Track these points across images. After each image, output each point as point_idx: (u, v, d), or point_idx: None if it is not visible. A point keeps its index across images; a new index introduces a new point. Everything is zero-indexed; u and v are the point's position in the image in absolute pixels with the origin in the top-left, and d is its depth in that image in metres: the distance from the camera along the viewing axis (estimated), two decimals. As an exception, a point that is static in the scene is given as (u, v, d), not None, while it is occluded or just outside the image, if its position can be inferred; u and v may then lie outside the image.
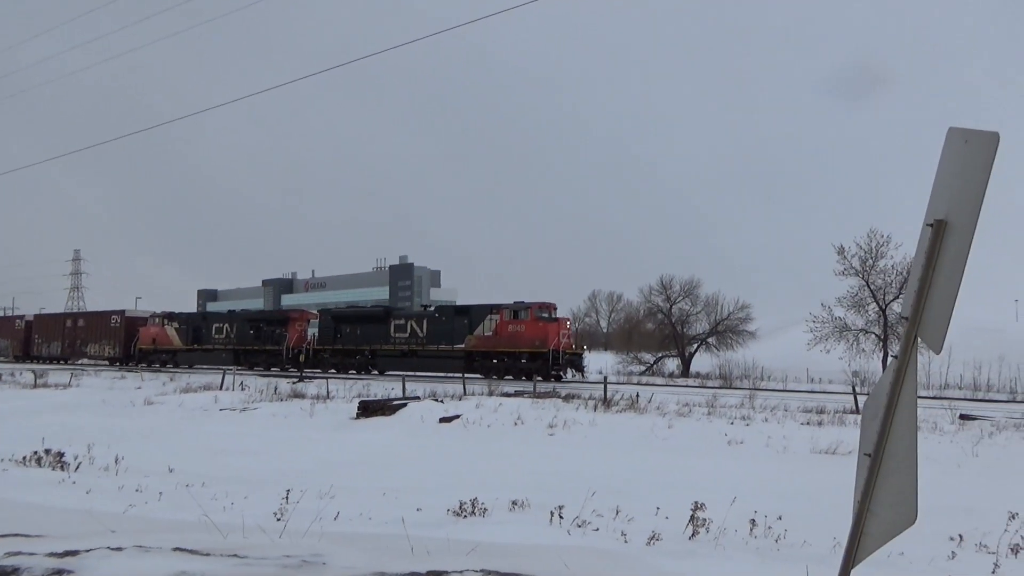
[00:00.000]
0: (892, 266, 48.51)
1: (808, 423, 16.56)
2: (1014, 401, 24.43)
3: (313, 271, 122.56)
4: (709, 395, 22.50)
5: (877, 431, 2.58)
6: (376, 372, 37.41)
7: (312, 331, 41.04)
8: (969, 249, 2.38)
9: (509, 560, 4.81)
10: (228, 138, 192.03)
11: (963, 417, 17.48)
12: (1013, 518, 6.25)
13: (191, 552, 4.53)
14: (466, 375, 30.24)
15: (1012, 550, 6.13)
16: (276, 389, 24.06)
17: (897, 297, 41.29)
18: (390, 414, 18.00)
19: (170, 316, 47.93)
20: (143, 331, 47.49)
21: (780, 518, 6.61)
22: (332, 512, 6.83)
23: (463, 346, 35.44)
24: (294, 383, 27.11)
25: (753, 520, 6.49)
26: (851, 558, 2.65)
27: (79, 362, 50.50)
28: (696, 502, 6.46)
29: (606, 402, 19.94)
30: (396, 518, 6.34)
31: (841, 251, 50.56)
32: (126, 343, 48.19)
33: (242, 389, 24.95)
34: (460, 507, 7.25)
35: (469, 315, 36.28)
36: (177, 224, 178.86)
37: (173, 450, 12.14)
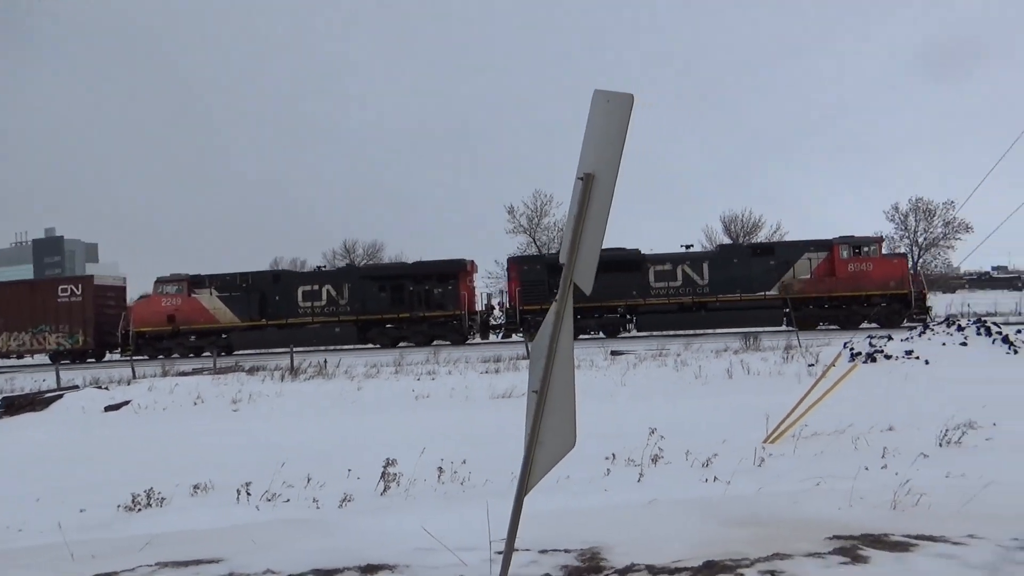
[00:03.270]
0: (554, 223, 53.89)
1: (487, 372, 17.76)
2: (651, 336, 28.63)
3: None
4: (396, 355, 23.00)
5: (542, 369, 2.82)
6: (630, 333, 29.09)
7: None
8: (611, 199, 2.69)
9: (190, 547, 4.46)
10: None
11: (614, 353, 20.09)
12: (652, 433, 7.32)
13: None
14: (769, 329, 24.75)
15: (652, 460, 7.20)
16: None
17: (558, 252, 46.02)
18: (42, 409, 15.71)
19: (196, 281, 31.84)
20: (140, 307, 31.93)
21: (464, 462, 7.00)
22: (-36, 531, 5.73)
23: (775, 293, 28.19)
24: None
25: (440, 468, 6.79)
26: (524, 487, 2.88)
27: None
28: (387, 459, 6.57)
29: (293, 371, 19.40)
30: (54, 525, 5.52)
31: (511, 210, 54.92)
32: (100, 326, 31.92)
33: None
34: (133, 500, 6.53)
35: (774, 255, 28.86)
36: None
37: None
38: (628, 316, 29.55)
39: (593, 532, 4.18)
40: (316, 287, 31.19)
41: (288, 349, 27.07)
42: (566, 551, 3.64)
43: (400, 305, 30.39)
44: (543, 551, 3.63)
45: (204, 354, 30.26)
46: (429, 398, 14.64)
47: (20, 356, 32.95)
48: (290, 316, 30.76)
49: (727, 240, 55.89)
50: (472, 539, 3.85)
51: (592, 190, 2.71)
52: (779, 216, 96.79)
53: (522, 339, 28.50)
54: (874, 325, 26.58)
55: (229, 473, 7.46)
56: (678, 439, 8.01)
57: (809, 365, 15.66)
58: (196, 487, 7.06)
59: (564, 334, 2.79)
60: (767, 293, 28.25)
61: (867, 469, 6.33)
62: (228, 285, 31.62)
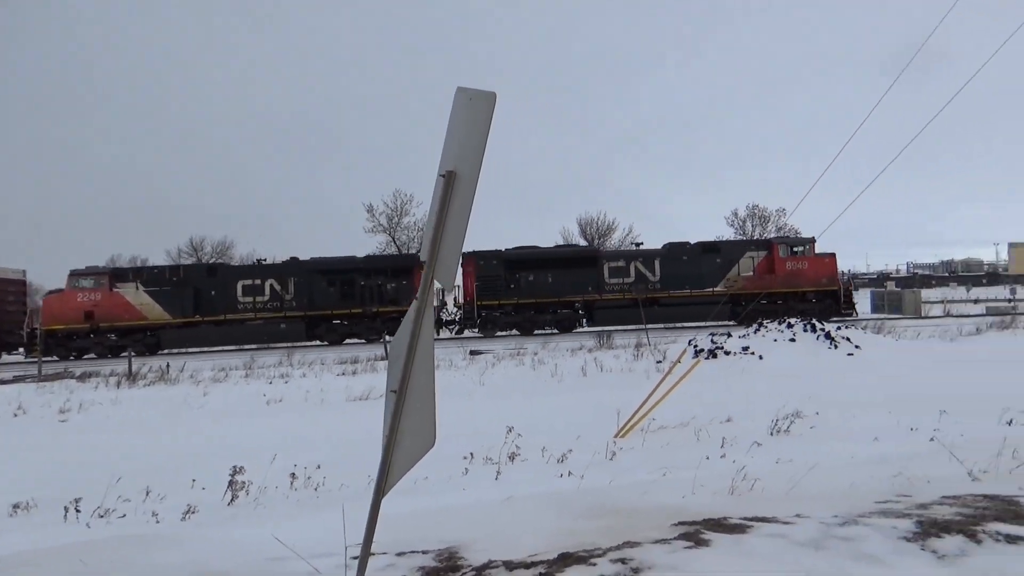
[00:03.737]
0: (415, 223, 53.62)
1: (344, 374, 17.36)
2: (511, 336, 29.04)
3: None
4: (247, 357, 22.01)
5: (401, 368, 2.78)
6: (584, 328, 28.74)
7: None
8: (474, 196, 2.70)
9: (6, 574, 4.04)
10: None
11: (472, 353, 20.22)
12: (510, 431, 7.44)
13: None
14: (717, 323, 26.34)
15: (510, 458, 7.31)
16: None
17: (419, 251, 45.72)
18: None
19: (118, 274, 29.29)
20: (52, 302, 28.20)
21: (319, 467, 6.80)
22: None
23: (721, 289, 29.59)
24: None
25: (293, 474, 6.56)
26: (381, 489, 2.82)
27: None
28: (235, 466, 6.27)
29: (131, 377, 18.11)
30: None
31: (370, 209, 54.07)
32: None
33: None
34: (-64, 525, 5.85)
35: (720, 253, 30.54)
36: None
37: None
38: (582, 311, 30.01)
39: (451, 532, 4.18)
40: (258, 281, 29.43)
41: (225, 348, 25.71)
42: (423, 552, 3.61)
43: (351, 300, 29.44)
44: (400, 553, 3.58)
45: (123, 354, 27.35)
46: (282, 402, 14.10)
47: None
48: (228, 312, 28.80)
49: (583, 241, 57.72)
50: (327, 545, 3.74)
51: (454, 187, 2.71)
52: (631, 219, 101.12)
53: (477, 334, 29.09)
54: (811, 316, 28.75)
55: (56, 490, 6.85)
56: (535, 436, 8.18)
57: (657, 362, 16.46)
58: (15, 507, 6.43)
59: (424, 332, 2.77)
60: (715, 289, 29.88)
61: (708, 458, 6.74)
62: (156, 279, 29.26)
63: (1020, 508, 3.49)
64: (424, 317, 2.80)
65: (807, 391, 11.75)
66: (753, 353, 16.26)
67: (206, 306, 28.96)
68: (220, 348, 28.95)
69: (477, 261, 29.92)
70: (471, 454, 7.42)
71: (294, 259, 30.80)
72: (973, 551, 2.93)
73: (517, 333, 29.25)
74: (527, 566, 3.18)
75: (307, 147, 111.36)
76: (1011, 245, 66.29)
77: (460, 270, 31.03)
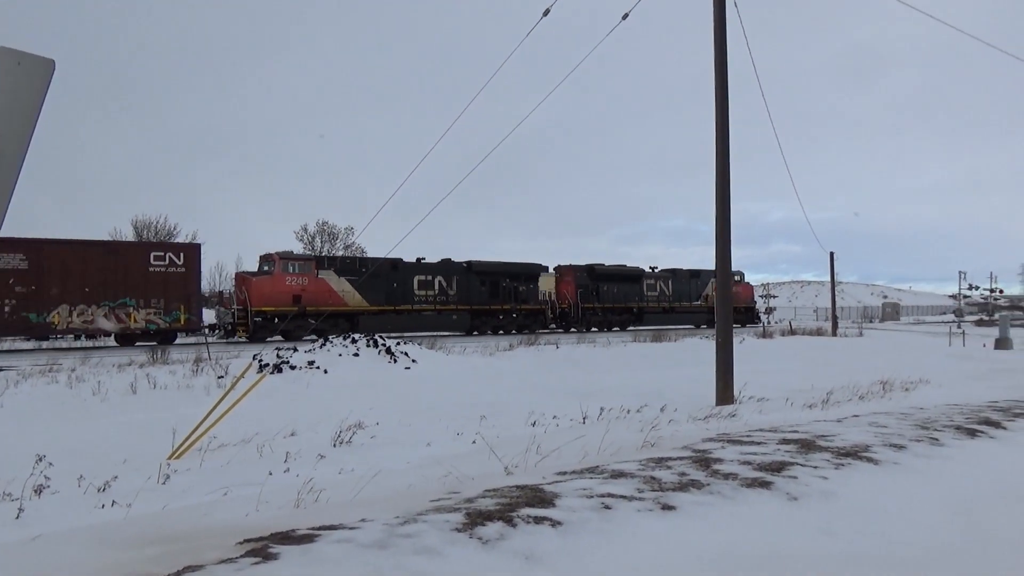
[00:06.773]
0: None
1: None
2: (40, 350, 24.82)
3: None
4: None
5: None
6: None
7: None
8: (15, 179, 2.25)
9: None
10: None
11: (-14, 370, 16.78)
12: (40, 460, 6.36)
13: None
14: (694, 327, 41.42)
15: (36, 492, 6.24)
16: None
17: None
18: None
19: (319, 261, 31.04)
20: (262, 284, 28.45)
21: None
22: None
23: (702, 303, 43.82)
24: None
25: None
26: None
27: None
28: None
29: None
30: None
31: None
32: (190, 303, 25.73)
33: None
34: None
35: (700, 277, 44.40)
36: None
37: None
38: (635, 314, 41.23)
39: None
40: (429, 277, 33.32)
41: (411, 335, 27.32)
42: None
43: (496, 298, 35.00)
44: None
45: (306, 336, 27.36)
46: None
47: (79, 336, 25.42)
48: (406, 303, 32.25)
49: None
50: None
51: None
52: (196, 226, 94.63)
53: (556, 329, 37.72)
54: (738, 324, 41.54)
55: None
56: (71, 463, 7.16)
57: (219, 377, 15.66)
58: None
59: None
60: (700, 303, 43.77)
61: (271, 474, 6.65)
62: (349, 268, 31.39)
63: (544, 494, 4.16)
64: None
65: (369, 403, 12.35)
66: (319, 367, 16.50)
67: (393, 297, 31.93)
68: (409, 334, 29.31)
69: (576, 273, 39.37)
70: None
71: (447, 260, 34.41)
72: (510, 534, 3.40)
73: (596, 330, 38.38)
74: (63, 611, 2.74)
75: None
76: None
77: (558, 279, 40.29)
